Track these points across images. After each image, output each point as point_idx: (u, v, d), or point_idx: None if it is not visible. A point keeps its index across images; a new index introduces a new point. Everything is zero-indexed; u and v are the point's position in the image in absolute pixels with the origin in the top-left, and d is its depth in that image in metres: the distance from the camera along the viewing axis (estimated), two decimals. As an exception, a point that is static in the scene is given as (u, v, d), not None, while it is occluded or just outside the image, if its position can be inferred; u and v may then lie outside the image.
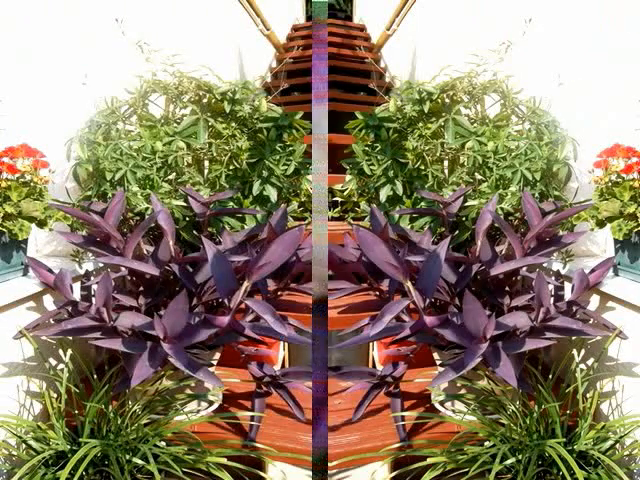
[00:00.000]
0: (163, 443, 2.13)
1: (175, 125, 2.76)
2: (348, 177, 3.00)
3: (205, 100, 2.81)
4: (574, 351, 2.29)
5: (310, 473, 1.74)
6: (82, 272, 2.58)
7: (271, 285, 2.62)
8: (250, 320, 2.35)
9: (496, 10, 3.06)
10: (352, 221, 2.97)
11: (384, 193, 2.84)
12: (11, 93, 2.81)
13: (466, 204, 2.70)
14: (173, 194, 2.67)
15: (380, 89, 3.15)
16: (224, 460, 2.12)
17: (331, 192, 3.08)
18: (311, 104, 1.67)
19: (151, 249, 2.43)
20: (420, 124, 2.82)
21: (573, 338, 2.32)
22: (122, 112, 2.77)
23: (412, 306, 2.16)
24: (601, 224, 2.47)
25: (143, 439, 2.08)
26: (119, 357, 2.31)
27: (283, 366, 2.87)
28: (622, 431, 2.14)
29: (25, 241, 2.49)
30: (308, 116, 2.10)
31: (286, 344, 2.90)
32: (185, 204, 2.65)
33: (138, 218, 2.64)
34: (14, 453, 2.11)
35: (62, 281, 2.34)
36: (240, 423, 2.37)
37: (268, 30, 4.20)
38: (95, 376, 2.27)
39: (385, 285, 2.58)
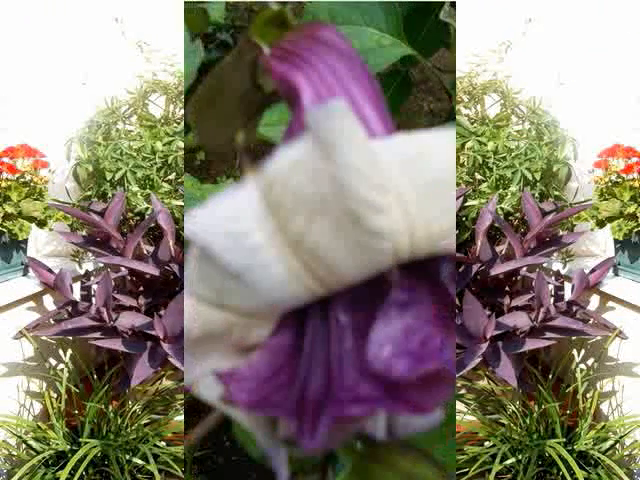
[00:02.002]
0: (163, 443, 2.13)
1: (175, 125, 2.76)
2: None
3: (205, 100, 2.81)
4: (574, 351, 2.29)
5: (310, 473, 1.73)
6: (82, 272, 2.58)
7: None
8: (250, 320, 2.35)
9: (496, 10, 3.06)
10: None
11: (384, 193, 2.84)
12: (11, 93, 2.82)
13: (466, 204, 2.70)
14: (173, 194, 2.67)
15: (380, 89, 3.15)
16: (224, 460, 2.12)
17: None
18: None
19: (151, 249, 2.44)
20: (420, 124, 2.82)
21: (573, 338, 2.32)
22: (122, 112, 2.77)
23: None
24: (601, 224, 2.46)
25: (143, 439, 2.08)
26: (119, 357, 2.31)
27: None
28: (622, 431, 2.14)
29: (25, 241, 2.48)
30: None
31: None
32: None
33: (138, 218, 2.63)
34: (14, 453, 2.10)
35: (62, 281, 2.33)
36: (240, 423, 2.37)
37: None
38: (95, 376, 2.27)
39: (385, 285, 2.57)
